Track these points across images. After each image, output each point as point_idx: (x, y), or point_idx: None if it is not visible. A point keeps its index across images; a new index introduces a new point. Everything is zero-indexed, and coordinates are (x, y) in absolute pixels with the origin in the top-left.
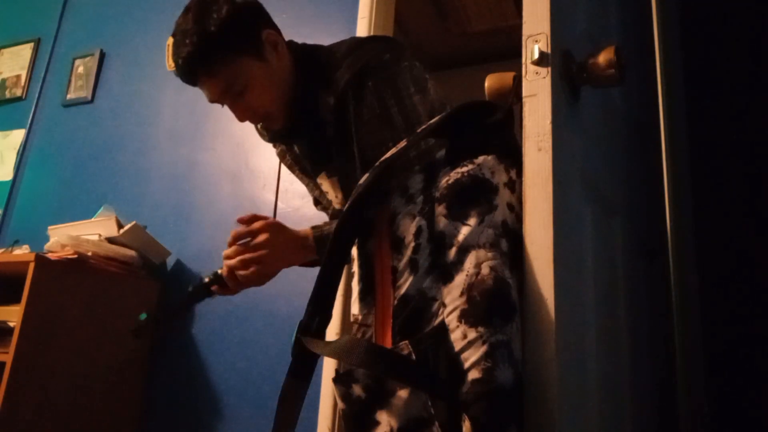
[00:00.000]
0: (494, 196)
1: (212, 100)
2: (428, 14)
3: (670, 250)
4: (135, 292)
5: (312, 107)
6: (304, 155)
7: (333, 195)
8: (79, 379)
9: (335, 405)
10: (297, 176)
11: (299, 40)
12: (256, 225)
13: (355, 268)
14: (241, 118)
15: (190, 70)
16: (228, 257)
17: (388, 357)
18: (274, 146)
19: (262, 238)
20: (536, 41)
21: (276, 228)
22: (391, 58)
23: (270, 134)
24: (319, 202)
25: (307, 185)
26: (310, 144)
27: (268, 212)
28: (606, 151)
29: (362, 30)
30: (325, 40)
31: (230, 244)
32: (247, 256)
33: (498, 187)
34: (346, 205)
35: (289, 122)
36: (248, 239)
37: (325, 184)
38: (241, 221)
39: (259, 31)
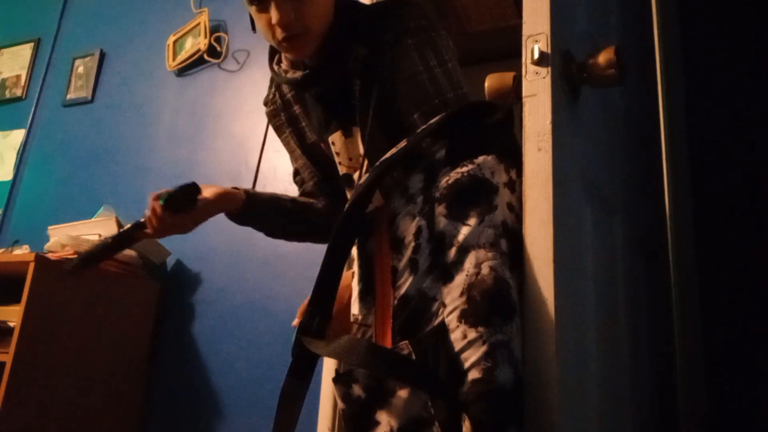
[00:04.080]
0: (494, 196)
1: None
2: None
3: (670, 250)
4: (135, 292)
5: (343, 54)
6: (313, 111)
7: (344, 156)
8: (79, 379)
9: (335, 405)
10: (283, 140)
11: None
12: None
13: (355, 268)
14: (282, 19)
15: None
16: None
17: (388, 357)
18: (267, 105)
19: None
20: (536, 41)
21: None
22: (428, 23)
23: (288, 77)
24: (299, 173)
25: (292, 152)
26: (325, 97)
27: None
28: (606, 151)
29: None
30: None
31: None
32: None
33: (498, 187)
34: (347, 205)
35: (316, 56)
36: None
37: (338, 144)
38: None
39: None
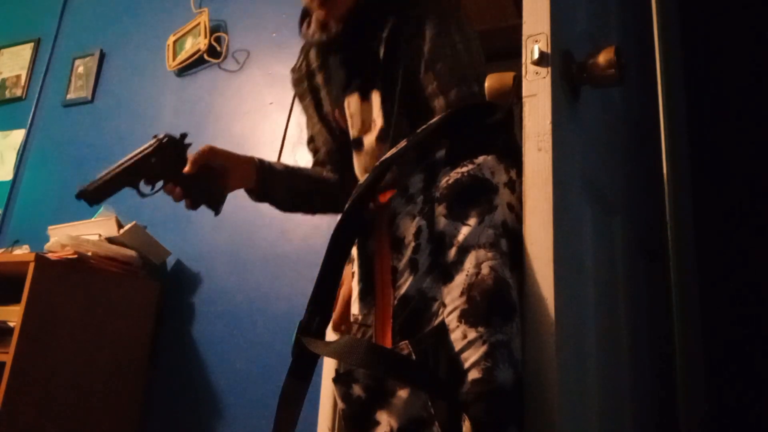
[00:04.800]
0: (494, 196)
1: None
2: None
3: (670, 250)
4: (135, 292)
5: (371, 20)
6: (336, 76)
7: (357, 119)
8: (79, 379)
9: (335, 405)
10: (303, 107)
11: (299, 39)
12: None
13: (355, 268)
14: None
15: None
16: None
17: (388, 357)
18: (293, 72)
19: None
20: (536, 41)
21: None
22: (455, 2)
23: (316, 38)
24: (313, 140)
25: (310, 119)
26: (349, 61)
27: (268, 213)
28: (606, 151)
29: None
30: None
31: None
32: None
33: (498, 187)
34: (347, 205)
35: (345, 21)
36: None
37: (354, 106)
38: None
39: None
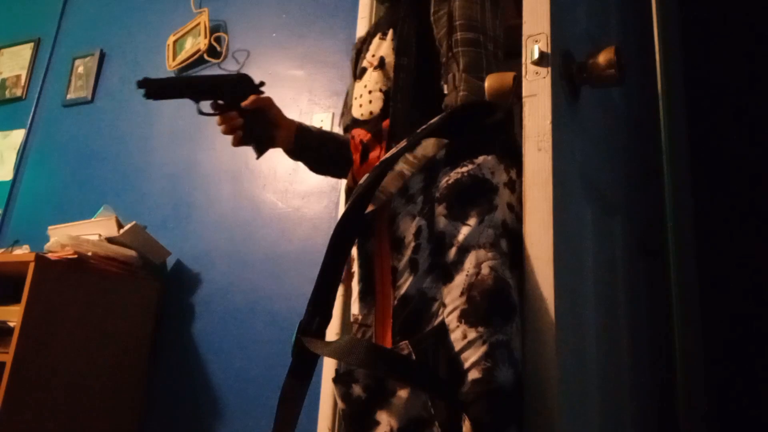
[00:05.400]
0: (494, 196)
1: None
2: None
3: (670, 250)
4: (135, 292)
5: None
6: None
7: (370, 53)
8: (79, 379)
9: (335, 405)
10: (353, 73)
11: (299, 39)
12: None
13: (355, 268)
14: None
15: None
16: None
17: (388, 357)
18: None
19: None
20: (536, 41)
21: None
22: None
23: None
24: (347, 98)
25: (353, 88)
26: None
27: (268, 213)
28: (606, 151)
29: (362, 30)
30: (326, 40)
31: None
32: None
33: (498, 187)
34: (347, 205)
35: None
36: None
37: (373, 47)
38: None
39: None
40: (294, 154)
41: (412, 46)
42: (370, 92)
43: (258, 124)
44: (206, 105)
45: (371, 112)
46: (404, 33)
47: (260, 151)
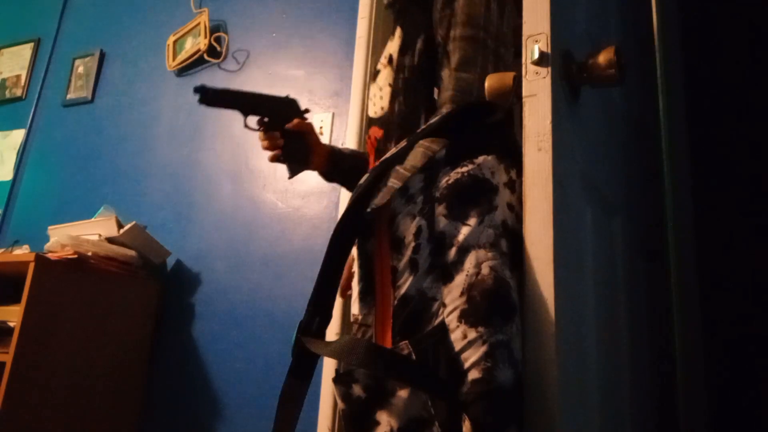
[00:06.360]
0: (494, 196)
1: None
2: None
3: (670, 250)
4: (135, 292)
5: None
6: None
7: (383, 55)
8: (79, 379)
9: (335, 405)
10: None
11: (299, 40)
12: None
13: (355, 268)
14: None
15: None
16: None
17: (388, 357)
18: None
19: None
20: (536, 41)
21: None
22: None
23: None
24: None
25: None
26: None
27: (268, 213)
28: (606, 151)
29: (362, 30)
30: (326, 40)
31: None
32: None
33: (498, 187)
34: (347, 205)
35: None
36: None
37: (387, 48)
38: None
39: None
40: (327, 176)
41: (416, 45)
42: (380, 89)
43: (296, 147)
44: (252, 120)
45: (383, 108)
46: (409, 31)
47: (294, 172)
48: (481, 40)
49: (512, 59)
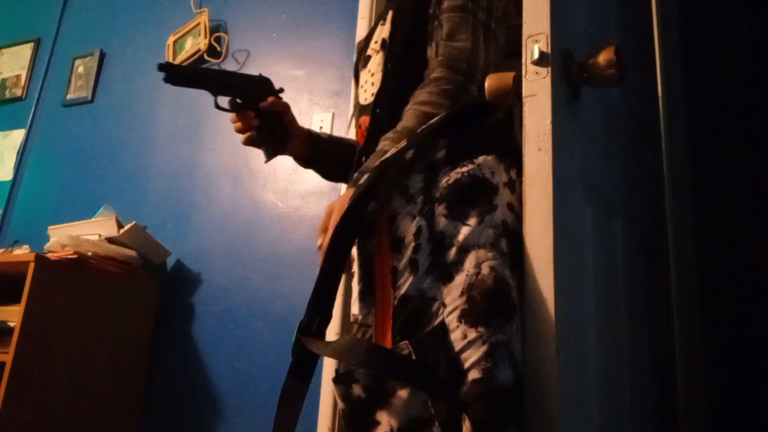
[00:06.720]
0: (494, 196)
1: None
2: None
3: (670, 250)
4: (135, 292)
5: None
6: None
7: (373, 40)
8: (79, 379)
9: (335, 405)
10: (355, 75)
11: (299, 40)
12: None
13: (355, 268)
14: None
15: None
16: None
17: (388, 357)
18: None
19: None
20: (536, 41)
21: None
22: None
23: None
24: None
25: (357, 86)
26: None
27: (268, 213)
28: (606, 151)
29: (362, 30)
30: (325, 40)
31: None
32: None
33: (498, 187)
34: (347, 205)
35: None
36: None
37: (376, 33)
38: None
39: None
40: (305, 161)
41: (406, 23)
42: (373, 74)
43: (272, 128)
44: (224, 100)
45: (373, 94)
46: (401, 12)
47: (270, 155)
48: (471, 10)
49: (504, 41)
